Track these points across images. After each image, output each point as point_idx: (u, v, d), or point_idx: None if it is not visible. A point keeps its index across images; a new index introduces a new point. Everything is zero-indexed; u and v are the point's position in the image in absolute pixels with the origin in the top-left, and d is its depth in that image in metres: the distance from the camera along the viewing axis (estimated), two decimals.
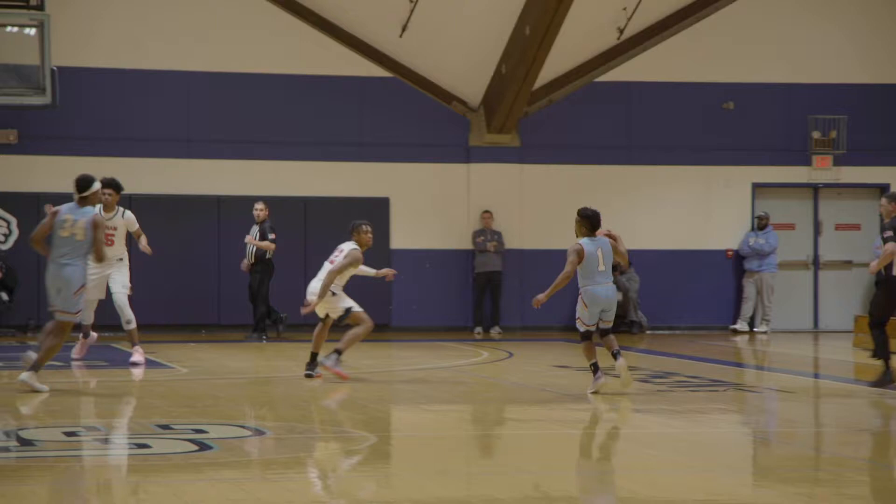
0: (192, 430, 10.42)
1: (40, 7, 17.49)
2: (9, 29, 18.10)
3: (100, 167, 20.66)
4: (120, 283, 15.44)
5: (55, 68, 17.90)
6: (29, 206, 20.39)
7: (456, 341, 20.43)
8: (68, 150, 20.94)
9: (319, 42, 22.04)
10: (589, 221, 13.18)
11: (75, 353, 15.78)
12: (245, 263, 19.89)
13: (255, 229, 19.87)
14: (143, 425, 10.73)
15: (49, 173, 20.64)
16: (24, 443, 9.85)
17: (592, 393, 12.90)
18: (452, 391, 13.84)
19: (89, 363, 15.76)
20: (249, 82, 21.83)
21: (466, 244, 22.32)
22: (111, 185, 15.38)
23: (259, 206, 19.95)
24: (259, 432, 10.39)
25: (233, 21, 21.71)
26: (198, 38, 21.61)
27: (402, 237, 22.32)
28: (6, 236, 20.79)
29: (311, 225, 21.59)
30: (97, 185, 13.08)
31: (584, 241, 13.07)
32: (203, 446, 9.80)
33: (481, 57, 22.25)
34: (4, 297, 20.49)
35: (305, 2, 21.94)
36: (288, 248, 20.55)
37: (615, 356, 12.90)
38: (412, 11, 21.58)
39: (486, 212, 22.22)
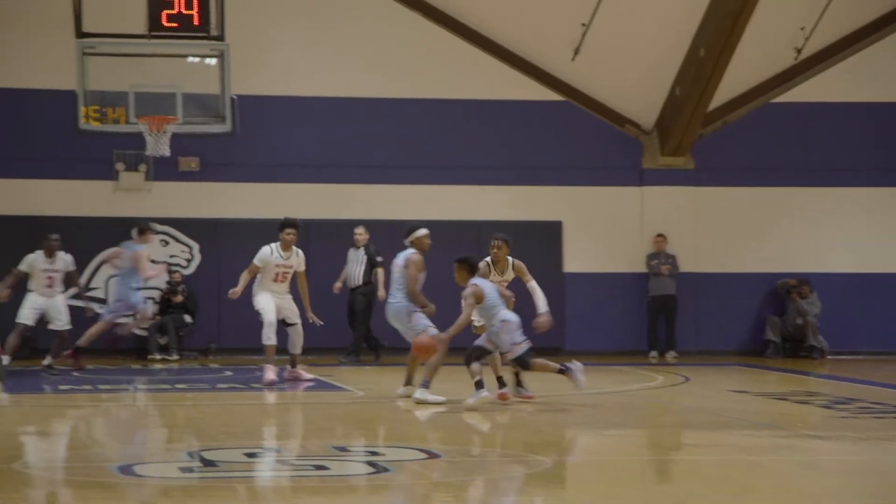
0: (369, 452, 10.51)
1: (220, 38, 17.88)
2: (190, 59, 18.53)
3: (275, 194, 21.10)
4: (295, 313, 16.12)
5: (235, 96, 18.29)
6: (210, 232, 20.88)
7: (630, 365, 20.25)
8: (247, 176, 21.37)
9: (491, 66, 22.13)
10: (468, 265, 13.66)
11: (274, 376, 15.99)
12: (338, 286, 19.88)
13: (359, 254, 19.86)
14: (321, 447, 10.86)
15: (229, 199, 21.10)
16: (207, 463, 10.05)
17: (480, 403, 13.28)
18: (627, 415, 13.71)
19: (261, 385, 16.02)
20: (422, 108, 22.02)
21: (640, 267, 22.15)
22: (293, 224, 15.79)
23: (359, 230, 20.01)
24: (434, 455, 10.43)
25: (405, 47, 21.94)
26: (370, 65, 21.88)
27: (574, 260, 22.24)
28: (188, 261, 21.29)
29: (484, 249, 21.54)
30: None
31: (476, 280, 13.52)
32: (379, 468, 9.88)
33: (654, 79, 22.10)
34: (188, 319, 20.98)
35: (476, 26, 22.07)
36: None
37: (478, 385, 13.27)
38: (584, 35, 21.55)
39: (660, 235, 22.03)
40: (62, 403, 14.31)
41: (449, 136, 22.15)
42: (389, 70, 21.95)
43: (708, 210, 22.43)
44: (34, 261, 17.88)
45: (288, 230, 15.68)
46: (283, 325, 16.15)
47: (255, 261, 15.83)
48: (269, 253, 15.80)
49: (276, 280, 15.82)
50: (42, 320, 17.90)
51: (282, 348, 16.35)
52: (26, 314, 17.92)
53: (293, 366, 16.36)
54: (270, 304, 15.77)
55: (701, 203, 22.45)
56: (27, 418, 12.96)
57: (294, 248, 15.93)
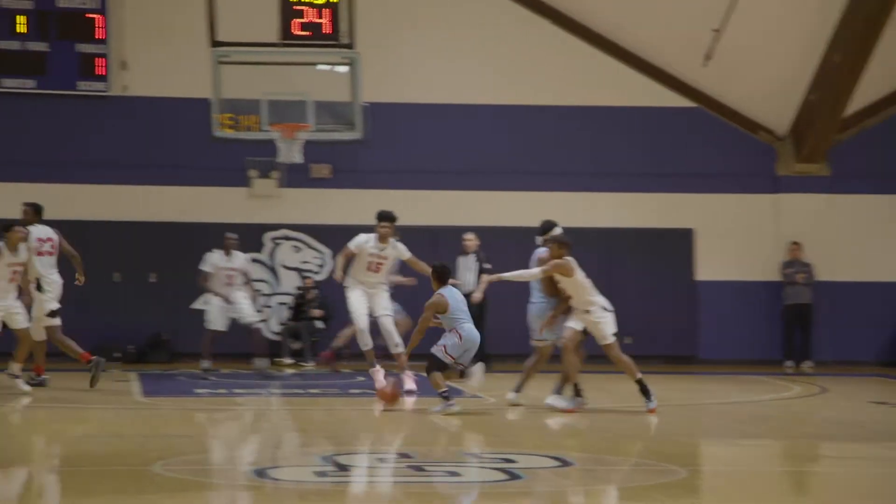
0: (501, 459, 10.48)
1: (350, 46, 18.03)
2: (320, 67, 18.71)
3: (406, 200, 21.17)
4: (385, 307, 15.61)
5: (366, 104, 18.41)
6: (342, 238, 21.02)
7: (765, 375, 19.96)
8: (378, 183, 21.47)
9: (621, 73, 22.00)
10: (437, 273, 13.64)
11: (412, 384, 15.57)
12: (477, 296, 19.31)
13: (468, 260, 19.53)
14: (453, 453, 10.85)
15: (360, 205, 21.23)
16: (341, 468, 10.11)
17: (446, 414, 13.14)
18: (762, 426, 13.50)
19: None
20: (551, 115, 21.96)
21: (774, 276, 21.82)
22: (388, 217, 15.60)
23: (469, 236, 19.69)
24: (566, 463, 10.36)
25: (534, 54, 21.89)
26: (499, 72, 21.87)
27: (707, 268, 21.99)
28: (320, 267, 21.45)
29: (614, 257, 21.45)
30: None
31: (443, 290, 13.51)
32: (512, 475, 9.85)
33: (788, 84, 21.79)
34: (321, 325, 21.11)
35: (606, 33, 21.96)
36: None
37: (446, 396, 13.29)
38: (716, 40, 21.32)
39: (795, 243, 21.70)
40: (199, 407, 14.50)
41: (577, 143, 22.05)
42: (518, 77, 21.91)
43: (844, 217, 22.03)
44: (215, 260, 18.35)
45: (382, 223, 15.42)
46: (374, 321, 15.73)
47: (351, 245, 15.39)
48: (365, 241, 15.50)
49: (368, 269, 15.47)
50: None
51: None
52: (217, 320, 18.28)
53: (399, 369, 15.56)
54: (361, 306, 15.41)
55: (837, 210, 22.05)
56: (166, 422, 13.15)
57: (392, 240, 15.61)
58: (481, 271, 19.72)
